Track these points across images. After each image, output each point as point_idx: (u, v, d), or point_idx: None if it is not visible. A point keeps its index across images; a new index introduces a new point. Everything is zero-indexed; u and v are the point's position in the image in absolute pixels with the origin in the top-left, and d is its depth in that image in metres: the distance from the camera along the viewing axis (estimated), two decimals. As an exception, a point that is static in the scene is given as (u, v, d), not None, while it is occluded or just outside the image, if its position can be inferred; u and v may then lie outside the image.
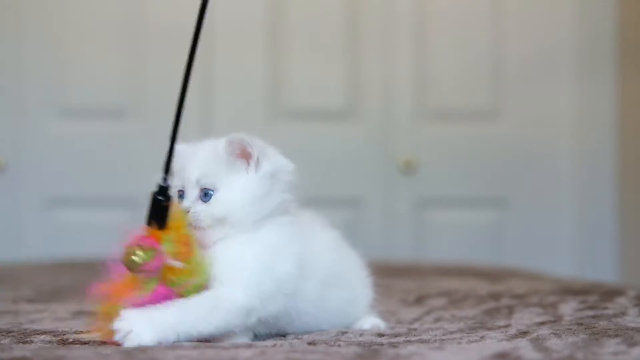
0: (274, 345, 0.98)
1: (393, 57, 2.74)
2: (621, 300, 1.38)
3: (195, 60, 1.19)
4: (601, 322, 1.15)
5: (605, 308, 1.30)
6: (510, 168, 2.76)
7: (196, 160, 1.06)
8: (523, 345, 0.95)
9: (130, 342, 0.93)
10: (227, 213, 1.03)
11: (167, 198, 1.01)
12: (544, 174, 2.76)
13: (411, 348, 0.95)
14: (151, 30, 2.70)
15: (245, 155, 1.06)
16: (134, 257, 0.98)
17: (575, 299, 1.44)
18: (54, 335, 1.06)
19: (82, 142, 2.70)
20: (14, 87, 2.69)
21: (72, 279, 1.93)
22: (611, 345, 0.94)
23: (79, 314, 1.31)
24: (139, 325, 0.94)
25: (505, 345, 0.95)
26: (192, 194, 1.05)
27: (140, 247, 0.98)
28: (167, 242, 0.99)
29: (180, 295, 0.98)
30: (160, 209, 1.01)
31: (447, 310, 1.37)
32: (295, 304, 1.04)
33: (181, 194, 1.06)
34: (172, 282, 0.99)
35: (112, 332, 0.96)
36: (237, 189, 1.05)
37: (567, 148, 2.75)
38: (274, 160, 1.08)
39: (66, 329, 1.13)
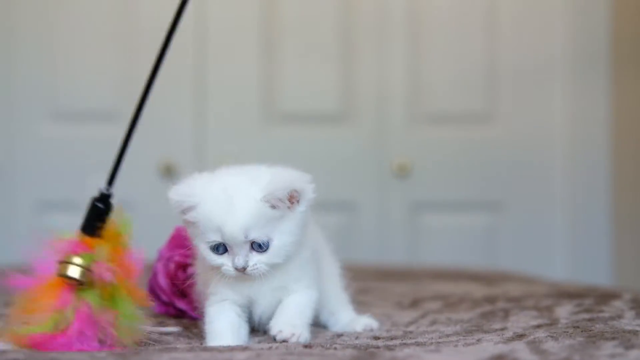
0: (270, 348, 0.97)
1: (387, 61, 2.74)
2: (617, 304, 1.38)
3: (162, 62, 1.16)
4: (597, 325, 1.14)
5: (601, 311, 1.30)
6: (504, 172, 2.76)
7: (237, 217, 1.00)
8: (520, 348, 0.94)
9: (302, 340, 1.02)
10: (285, 256, 1.03)
11: (108, 207, 0.99)
12: (538, 178, 2.76)
13: (407, 351, 0.95)
14: (143, 33, 2.69)
15: (290, 199, 1.03)
16: (71, 264, 0.96)
17: (570, 302, 1.43)
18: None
19: (74, 145, 2.69)
20: (5, 90, 2.68)
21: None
22: (608, 347, 0.94)
23: (72, 317, 1.30)
24: (301, 325, 1.03)
25: (502, 348, 0.95)
26: (243, 249, 1.01)
27: (77, 254, 0.96)
28: (100, 250, 0.97)
29: (109, 323, 0.96)
30: (98, 217, 0.99)
31: (442, 314, 1.37)
32: None
33: (217, 248, 1.02)
34: (102, 299, 0.97)
35: (22, 336, 0.94)
36: (289, 232, 1.03)
37: (560, 152, 2.75)
38: (304, 188, 1.04)
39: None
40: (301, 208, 1.03)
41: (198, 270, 1.14)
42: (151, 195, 2.64)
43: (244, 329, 1.07)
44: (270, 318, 1.07)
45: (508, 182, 2.76)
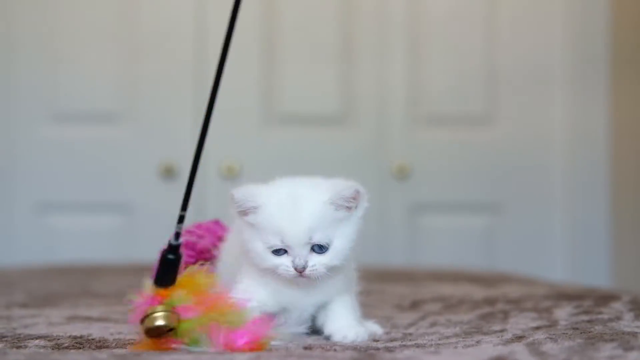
0: (269, 350, 0.97)
1: (387, 63, 2.74)
2: (616, 305, 1.38)
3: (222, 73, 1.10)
4: (597, 327, 1.15)
5: (600, 313, 1.30)
6: (503, 174, 2.77)
7: (302, 218, 1.02)
8: (519, 350, 0.95)
9: (362, 338, 1.07)
10: (343, 260, 1.06)
11: (178, 257, 0.99)
12: (537, 180, 2.76)
13: (407, 352, 0.95)
14: (144, 35, 2.70)
15: (353, 200, 1.06)
16: (156, 321, 0.94)
17: (570, 303, 1.44)
18: (48, 340, 1.06)
19: (74, 146, 2.69)
20: (5, 92, 2.68)
21: (64, 284, 1.92)
22: (607, 349, 0.94)
23: (72, 318, 1.31)
24: (357, 325, 1.08)
25: (502, 350, 0.95)
26: (303, 250, 1.03)
27: (156, 308, 0.95)
28: (178, 294, 0.97)
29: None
30: (170, 268, 0.98)
31: (442, 315, 1.37)
32: None
33: (277, 251, 1.03)
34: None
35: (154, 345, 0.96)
36: (348, 236, 1.06)
37: (560, 154, 2.75)
38: (364, 193, 1.08)
39: (60, 334, 1.12)
40: (359, 213, 1.07)
41: (220, 269, 1.16)
42: (151, 196, 2.65)
43: None
44: (297, 324, 1.09)
45: (507, 184, 2.77)
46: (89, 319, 1.31)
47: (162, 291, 0.97)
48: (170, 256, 0.99)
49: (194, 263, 1.34)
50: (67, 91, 2.70)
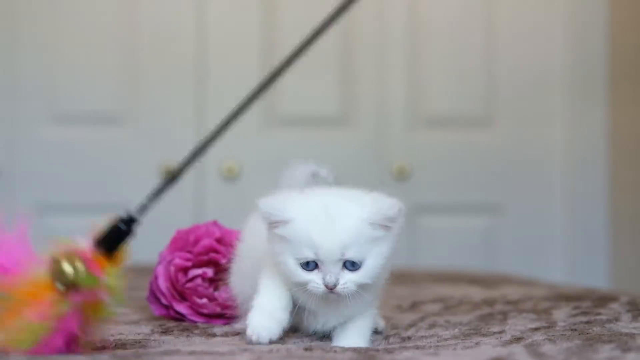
0: (270, 351, 0.98)
1: (387, 65, 2.75)
2: (614, 306, 1.38)
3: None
4: (595, 328, 1.15)
5: (599, 314, 1.31)
6: (503, 175, 2.77)
7: (337, 234, 0.99)
8: (518, 351, 0.95)
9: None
10: (374, 278, 1.03)
11: (129, 230, 0.96)
12: (537, 181, 2.77)
13: (407, 354, 0.95)
14: (145, 36, 2.70)
15: (392, 221, 1.03)
16: (66, 268, 0.86)
17: (568, 304, 1.44)
18: (49, 341, 1.06)
19: (75, 147, 2.70)
20: (7, 93, 2.68)
21: (65, 285, 1.92)
22: (605, 350, 0.94)
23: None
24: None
25: (500, 351, 0.96)
26: (335, 267, 1.00)
27: (82, 263, 0.87)
28: (111, 275, 0.90)
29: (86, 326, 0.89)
30: (117, 237, 0.94)
31: (441, 316, 1.37)
32: None
33: (307, 265, 1.00)
34: (88, 316, 0.89)
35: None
36: (382, 254, 1.03)
37: (559, 155, 2.76)
38: (402, 210, 1.05)
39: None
40: (396, 231, 1.04)
41: (233, 270, 1.17)
42: (151, 197, 2.65)
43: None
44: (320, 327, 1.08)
45: (507, 185, 2.77)
46: None
47: (100, 258, 0.90)
48: (123, 226, 0.94)
49: (192, 265, 1.34)
50: (67, 92, 2.70)
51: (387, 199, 1.05)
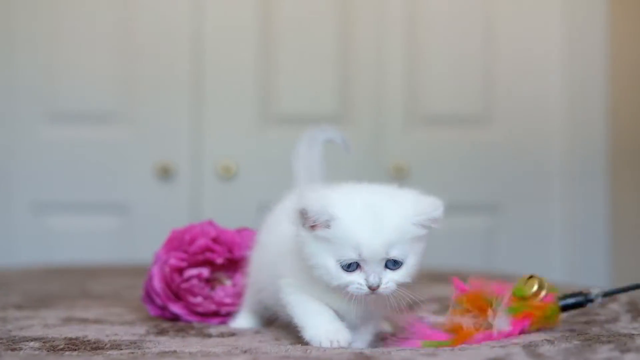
0: (268, 352, 0.97)
1: (384, 63, 2.74)
2: (613, 307, 1.38)
3: None
4: (594, 329, 1.15)
5: (597, 314, 1.30)
6: (502, 174, 2.76)
7: (383, 233, 0.98)
8: (516, 352, 0.94)
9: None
10: (412, 276, 1.02)
11: (583, 305, 1.19)
12: (536, 180, 2.76)
13: (404, 354, 0.95)
14: (141, 36, 2.69)
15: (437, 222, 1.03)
16: (537, 278, 1.19)
17: (567, 304, 1.43)
18: (43, 342, 1.05)
19: (71, 147, 2.69)
20: (3, 92, 2.67)
21: (61, 285, 1.92)
22: (604, 351, 0.94)
23: (68, 320, 1.30)
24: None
25: (498, 352, 0.95)
26: (378, 266, 0.99)
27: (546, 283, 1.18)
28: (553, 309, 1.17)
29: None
30: (574, 302, 1.20)
31: (439, 317, 1.36)
32: None
33: (349, 266, 0.98)
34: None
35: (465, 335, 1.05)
36: (420, 252, 1.03)
37: (558, 154, 2.75)
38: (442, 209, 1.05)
39: (56, 336, 1.12)
40: (435, 228, 1.04)
41: (253, 257, 1.17)
42: (148, 197, 2.64)
43: None
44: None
45: (506, 184, 2.76)
46: (84, 320, 1.31)
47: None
48: (583, 299, 1.20)
49: (188, 265, 1.34)
50: (64, 91, 2.69)
51: (428, 197, 1.05)
